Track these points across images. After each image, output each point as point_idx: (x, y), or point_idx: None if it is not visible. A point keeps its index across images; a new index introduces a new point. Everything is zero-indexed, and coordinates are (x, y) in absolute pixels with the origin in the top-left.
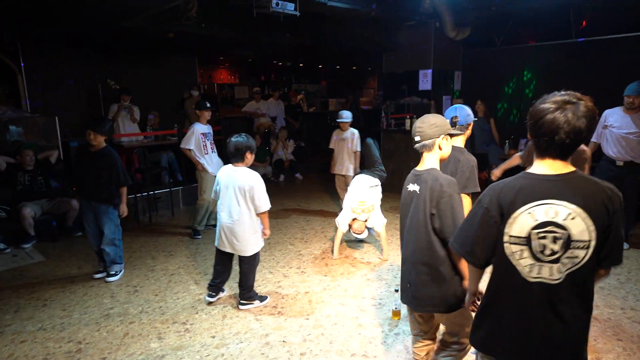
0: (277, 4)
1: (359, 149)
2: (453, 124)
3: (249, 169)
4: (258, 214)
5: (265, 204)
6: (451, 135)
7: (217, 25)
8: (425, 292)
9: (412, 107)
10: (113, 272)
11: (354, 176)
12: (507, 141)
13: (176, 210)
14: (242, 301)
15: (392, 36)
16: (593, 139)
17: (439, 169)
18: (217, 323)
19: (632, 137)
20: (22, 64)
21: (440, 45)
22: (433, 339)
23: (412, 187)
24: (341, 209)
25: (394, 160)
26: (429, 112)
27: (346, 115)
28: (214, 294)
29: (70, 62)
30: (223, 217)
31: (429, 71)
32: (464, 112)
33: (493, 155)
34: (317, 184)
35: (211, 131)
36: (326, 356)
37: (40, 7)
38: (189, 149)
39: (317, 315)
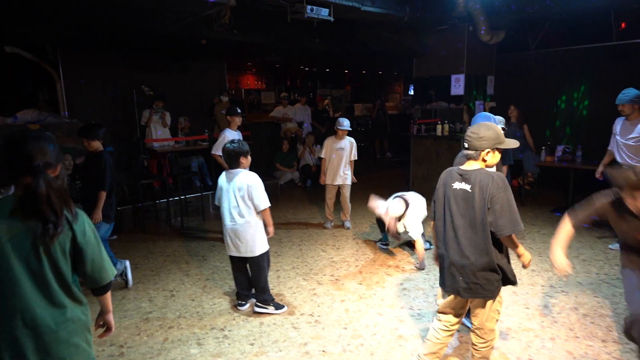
0: (312, 10)
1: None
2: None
3: (246, 170)
4: (259, 212)
5: (264, 201)
6: (499, 150)
7: (248, 31)
8: (481, 281)
9: (440, 112)
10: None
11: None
12: (543, 147)
13: (206, 215)
14: (257, 303)
15: (423, 41)
16: (608, 147)
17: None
18: (255, 330)
19: (631, 142)
20: (61, 71)
21: (473, 49)
22: (458, 322)
23: (460, 185)
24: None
25: (423, 166)
26: (459, 118)
27: (347, 124)
28: (243, 302)
29: (106, 69)
30: (226, 220)
31: (462, 76)
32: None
33: (529, 162)
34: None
35: (241, 137)
36: None
37: (80, 13)
38: (220, 155)
39: (355, 324)
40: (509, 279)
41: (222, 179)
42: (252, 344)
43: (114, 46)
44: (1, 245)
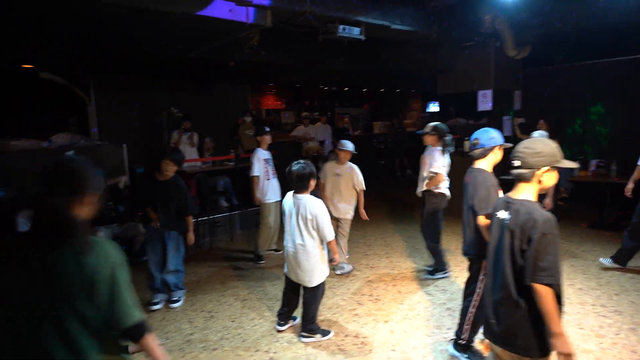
0: (344, 29)
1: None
2: (473, 147)
3: (312, 196)
4: (327, 243)
5: (330, 233)
6: (557, 168)
7: (275, 52)
8: (511, 331)
9: (459, 128)
10: (176, 298)
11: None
12: (578, 168)
13: (234, 235)
14: (302, 333)
15: (448, 57)
16: (638, 162)
17: (535, 199)
18: (301, 352)
19: None
20: (93, 95)
21: (500, 64)
22: None
23: (502, 214)
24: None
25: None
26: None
27: (351, 146)
28: (283, 322)
29: (135, 92)
30: (287, 244)
31: (489, 91)
32: (488, 135)
33: (562, 178)
34: (371, 207)
35: (271, 157)
36: None
37: (111, 39)
38: (257, 176)
39: (403, 346)
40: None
41: (288, 202)
42: None
43: (142, 70)
44: (17, 286)
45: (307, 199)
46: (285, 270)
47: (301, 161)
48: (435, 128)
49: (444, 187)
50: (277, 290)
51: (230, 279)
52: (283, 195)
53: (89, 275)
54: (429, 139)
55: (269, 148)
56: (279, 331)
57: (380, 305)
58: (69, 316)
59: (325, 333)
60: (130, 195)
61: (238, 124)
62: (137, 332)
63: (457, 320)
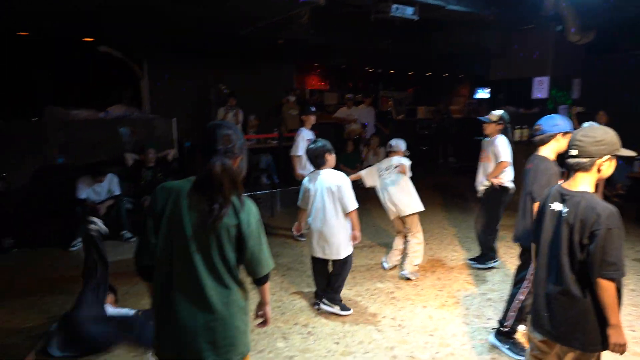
0: (397, 9)
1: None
2: (535, 133)
3: (333, 170)
4: (347, 214)
5: (352, 202)
6: (617, 157)
7: (324, 32)
8: (565, 325)
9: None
10: None
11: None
12: (637, 157)
13: (275, 212)
14: (324, 300)
15: (504, 41)
16: None
17: (593, 191)
18: (338, 329)
19: None
20: (146, 70)
21: (559, 50)
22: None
23: (557, 206)
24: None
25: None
26: (530, 123)
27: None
28: (319, 302)
29: (186, 68)
30: (313, 222)
31: (546, 78)
32: (551, 122)
33: (619, 173)
34: None
35: (314, 137)
36: None
37: (167, 20)
38: (298, 156)
39: (442, 332)
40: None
41: (308, 180)
42: (337, 343)
43: (194, 47)
44: (181, 219)
45: (329, 172)
46: (311, 251)
47: (318, 140)
48: (502, 118)
49: (507, 180)
50: None
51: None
52: None
53: (242, 228)
54: (491, 128)
55: (312, 128)
56: (318, 309)
57: (418, 290)
58: (218, 256)
59: (345, 308)
60: (178, 168)
61: (282, 102)
62: (268, 277)
63: (498, 311)
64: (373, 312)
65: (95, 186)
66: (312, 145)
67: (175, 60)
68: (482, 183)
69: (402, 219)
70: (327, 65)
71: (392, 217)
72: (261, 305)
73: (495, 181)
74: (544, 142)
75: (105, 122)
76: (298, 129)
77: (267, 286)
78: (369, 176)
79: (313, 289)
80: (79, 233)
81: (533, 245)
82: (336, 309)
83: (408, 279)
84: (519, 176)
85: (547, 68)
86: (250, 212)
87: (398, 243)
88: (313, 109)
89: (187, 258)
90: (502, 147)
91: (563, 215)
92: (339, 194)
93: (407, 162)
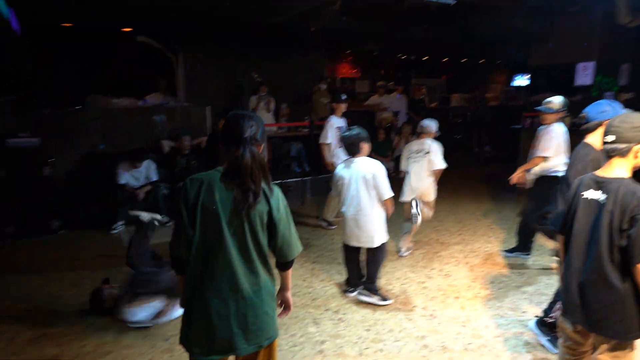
0: None
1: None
2: (580, 122)
3: (369, 157)
4: (382, 201)
5: (388, 190)
6: None
7: (356, 18)
8: (601, 313)
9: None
10: None
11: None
12: None
13: (305, 200)
14: (361, 291)
15: (546, 25)
16: None
17: (630, 176)
18: (369, 317)
19: None
20: (181, 59)
21: (606, 33)
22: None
23: (593, 194)
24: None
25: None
26: (573, 111)
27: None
28: (352, 289)
29: (219, 57)
30: (348, 210)
31: (591, 64)
32: (598, 109)
33: None
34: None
35: (346, 124)
36: None
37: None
38: (327, 144)
39: (474, 324)
40: None
41: (342, 168)
42: (367, 330)
43: (227, 36)
44: (215, 209)
45: (363, 160)
46: (345, 239)
47: (353, 127)
48: (563, 105)
49: (553, 170)
50: None
51: (301, 241)
52: None
53: (272, 214)
54: (551, 117)
55: (343, 116)
56: (349, 296)
57: (450, 281)
58: (252, 243)
59: (384, 298)
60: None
61: (313, 91)
62: (292, 263)
63: (534, 304)
64: (403, 301)
65: (134, 172)
66: (347, 133)
67: (209, 49)
68: (533, 173)
69: (422, 201)
70: (358, 52)
71: (408, 199)
72: (282, 290)
73: (517, 177)
74: (589, 130)
75: (143, 110)
76: (328, 117)
77: (290, 271)
78: (403, 160)
79: (344, 276)
80: (119, 216)
81: (561, 237)
82: (375, 299)
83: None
84: None
85: (593, 53)
86: (280, 198)
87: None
88: (344, 96)
89: (222, 247)
90: (549, 139)
91: (601, 202)
92: (374, 182)
93: (437, 147)
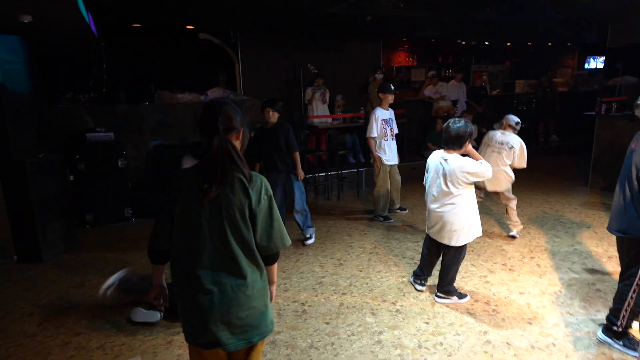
0: None
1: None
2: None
3: (460, 155)
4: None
5: (486, 170)
6: None
7: (413, 5)
8: None
9: (626, 89)
10: (308, 236)
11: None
12: None
13: (360, 191)
14: (439, 294)
15: (626, 2)
16: None
17: None
18: (428, 309)
19: None
20: (240, 54)
21: None
22: None
23: None
24: None
25: (611, 152)
26: None
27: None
28: (423, 282)
29: (275, 50)
30: (431, 204)
31: None
32: None
33: None
34: None
35: (393, 116)
36: None
37: (259, 2)
38: (373, 137)
39: (542, 322)
40: None
41: (434, 160)
42: (427, 323)
43: (283, 28)
44: (193, 203)
45: (456, 157)
46: (428, 230)
47: (461, 119)
48: None
49: None
50: (403, 247)
51: (357, 232)
52: (401, 157)
53: (252, 206)
54: None
55: (400, 107)
56: (417, 290)
57: (514, 275)
58: (233, 238)
59: (462, 296)
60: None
61: (369, 81)
62: (277, 257)
63: (608, 303)
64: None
65: None
66: (459, 125)
67: (265, 43)
68: None
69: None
70: (415, 40)
71: (489, 189)
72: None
73: None
74: None
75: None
76: (374, 109)
77: (276, 266)
78: (483, 145)
79: (400, 268)
80: None
81: None
82: (454, 299)
83: (513, 237)
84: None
85: None
86: (261, 189)
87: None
88: (392, 87)
89: (202, 241)
90: None
91: None
92: (464, 177)
93: (523, 147)
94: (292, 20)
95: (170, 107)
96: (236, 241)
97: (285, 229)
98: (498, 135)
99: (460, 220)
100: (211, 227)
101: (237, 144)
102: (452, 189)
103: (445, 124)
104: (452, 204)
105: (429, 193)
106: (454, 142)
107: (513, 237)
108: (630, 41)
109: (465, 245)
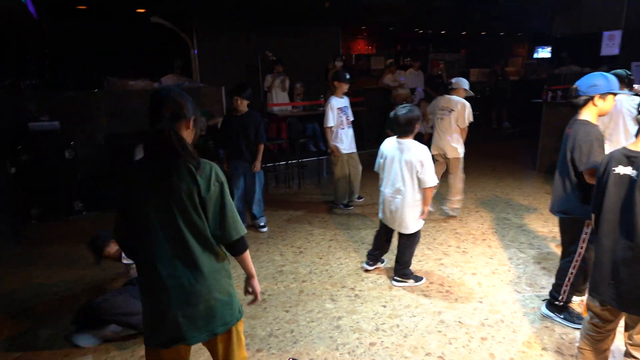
0: None
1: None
2: (572, 94)
3: (416, 142)
4: (423, 189)
5: (432, 179)
6: None
7: None
8: (636, 292)
9: (571, 77)
10: (263, 224)
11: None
12: None
13: (321, 179)
14: (396, 277)
15: None
16: None
17: None
18: (385, 293)
19: None
20: (195, 40)
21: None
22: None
23: (624, 170)
24: None
25: (556, 137)
26: None
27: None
28: (371, 262)
29: (232, 36)
30: (385, 191)
31: (618, 32)
32: (588, 82)
33: None
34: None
35: (348, 104)
36: (512, 345)
37: None
38: (330, 127)
39: (492, 299)
40: None
41: (390, 147)
42: (384, 306)
43: (240, 14)
44: (143, 195)
45: (411, 143)
46: (381, 216)
47: (407, 105)
48: (614, 75)
49: None
50: (362, 233)
51: (318, 220)
52: (358, 145)
53: (201, 193)
54: None
55: (359, 95)
56: (366, 270)
57: (467, 257)
58: (185, 228)
59: (418, 279)
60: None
61: (328, 68)
62: (242, 246)
63: (553, 280)
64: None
65: None
66: (405, 111)
67: (222, 29)
68: None
69: (445, 161)
70: (374, 28)
71: (433, 154)
72: (247, 279)
73: None
74: (579, 105)
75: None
76: (329, 97)
77: (247, 256)
78: (428, 115)
79: (359, 254)
80: None
81: (593, 215)
82: (410, 282)
83: (450, 215)
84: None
85: (620, 21)
86: (211, 176)
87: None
88: (347, 75)
89: (153, 233)
90: None
91: (634, 178)
92: (420, 169)
93: (468, 108)
94: (248, 4)
95: (121, 95)
96: (190, 231)
97: (239, 217)
98: (440, 101)
99: (412, 207)
100: (163, 219)
101: (188, 132)
102: (407, 176)
103: (392, 114)
104: (406, 191)
105: (385, 179)
106: (406, 129)
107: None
108: (574, 31)
109: (420, 230)
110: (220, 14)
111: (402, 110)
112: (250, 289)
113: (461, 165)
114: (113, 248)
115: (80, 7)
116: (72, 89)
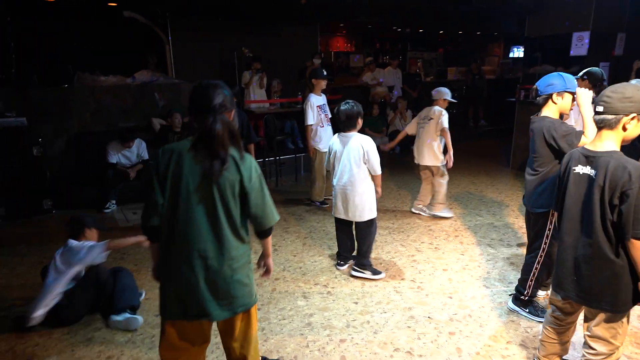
0: None
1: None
2: (533, 94)
3: (360, 133)
4: (373, 176)
5: (379, 167)
6: None
7: None
8: (596, 288)
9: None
10: None
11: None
12: None
13: (299, 176)
14: (354, 267)
15: None
16: None
17: (618, 150)
18: (357, 290)
19: None
20: (170, 35)
21: (602, 2)
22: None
23: (582, 169)
24: None
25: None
26: None
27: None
28: (342, 262)
29: (208, 32)
30: (337, 183)
31: (586, 33)
32: (545, 82)
33: None
34: None
35: (326, 101)
36: (478, 339)
37: None
38: (310, 125)
39: (461, 295)
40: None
41: (336, 142)
42: (355, 303)
43: (216, 10)
44: (184, 178)
45: (356, 135)
46: (335, 212)
47: (349, 101)
48: (588, 73)
49: None
50: None
51: (294, 217)
52: None
53: (244, 183)
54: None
55: (337, 92)
56: (337, 268)
57: (439, 254)
58: (223, 213)
59: (376, 272)
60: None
61: (306, 66)
62: (270, 231)
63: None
64: (392, 274)
65: (125, 151)
66: (346, 107)
67: (198, 24)
68: None
69: (429, 169)
70: (352, 26)
71: (416, 162)
72: (263, 256)
73: None
74: (540, 104)
75: (131, 87)
76: (307, 95)
77: (270, 239)
78: (412, 125)
79: (334, 251)
80: (111, 196)
81: (555, 213)
82: (367, 274)
83: (439, 217)
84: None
85: (588, 22)
86: (252, 167)
87: (423, 189)
88: (325, 73)
89: (190, 216)
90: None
91: (591, 177)
92: (366, 158)
93: (444, 115)
94: (225, 1)
95: (93, 91)
96: (225, 217)
97: (274, 205)
98: (424, 110)
99: (363, 195)
100: (205, 204)
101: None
102: (354, 166)
103: (335, 110)
104: (355, 180)
105: (335, 172)
106: (348, 124)
107: (441, 218)
108: (544, 32)
109: (375, 218)
110: (194, 10)
111: (343, 106)
112: (263, 263)
113: (443, 171)
114: (94, 235)
115: None
116: (41, 84)
